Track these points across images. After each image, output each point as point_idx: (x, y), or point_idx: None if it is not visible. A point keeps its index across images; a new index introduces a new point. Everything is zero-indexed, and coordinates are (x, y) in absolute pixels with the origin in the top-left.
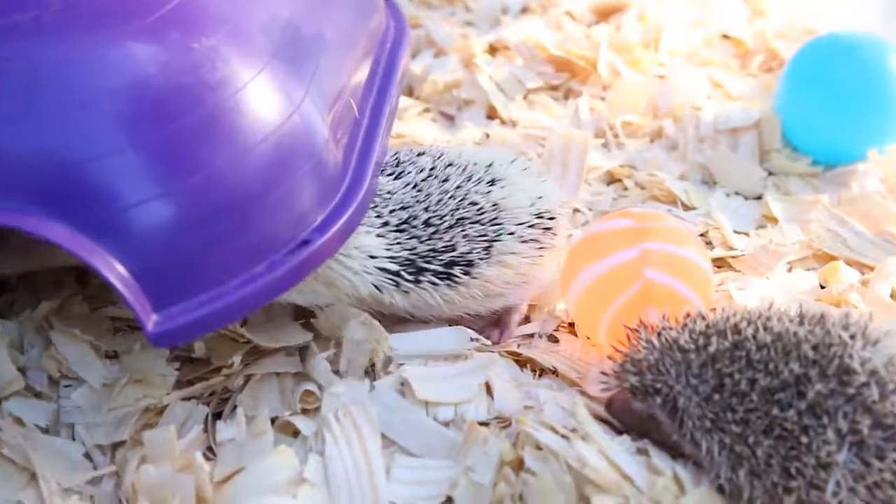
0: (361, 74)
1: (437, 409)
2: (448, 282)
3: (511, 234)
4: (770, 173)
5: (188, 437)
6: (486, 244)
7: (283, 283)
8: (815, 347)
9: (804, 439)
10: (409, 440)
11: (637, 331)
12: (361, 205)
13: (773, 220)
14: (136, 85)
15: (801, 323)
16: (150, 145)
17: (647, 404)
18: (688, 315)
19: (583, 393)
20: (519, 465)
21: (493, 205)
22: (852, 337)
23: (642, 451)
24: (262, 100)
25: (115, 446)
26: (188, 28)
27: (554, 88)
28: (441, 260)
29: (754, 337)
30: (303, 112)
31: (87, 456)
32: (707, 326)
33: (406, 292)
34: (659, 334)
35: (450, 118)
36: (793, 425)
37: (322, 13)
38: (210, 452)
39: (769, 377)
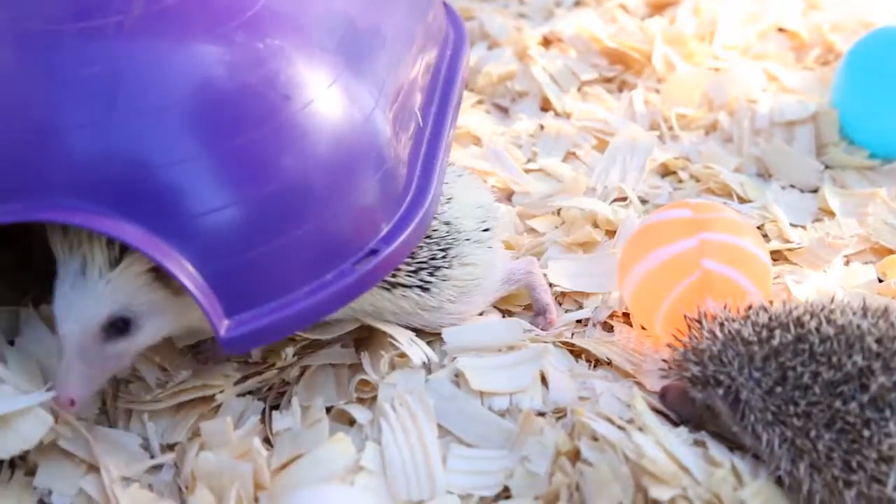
0: (422, 79)
1: (492, 399)
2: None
3: (467, 240)
4: (827, 166)
5: (245, 427)
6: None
7: (352, 291)
8: (878, 340)
9: (866, 433)
10: (465, 430)
11: (698, 321)
12: (427, 214)
13: (830, 214)
14: (213, 92)
15: (864, 316)
16: (224, 153)
17: (706, 395)
18: (749, 307)
19: (638, 384)
20: (575, 456)
21: (446, 222)
22: None
23: (700, 443)
24: (334, 109)
25: (173, 442)
26: (263, 35)
27: (608, 81)
28: (411, 268)
29: (817, 330)
30: (372, 120)
31: (145, 447)
32: (770, 319)
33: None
34: (721, 325)
35: (504, 110)
36: (855, 418)
37: (383, 16)
38: (267, 444)
39: (832, 370)
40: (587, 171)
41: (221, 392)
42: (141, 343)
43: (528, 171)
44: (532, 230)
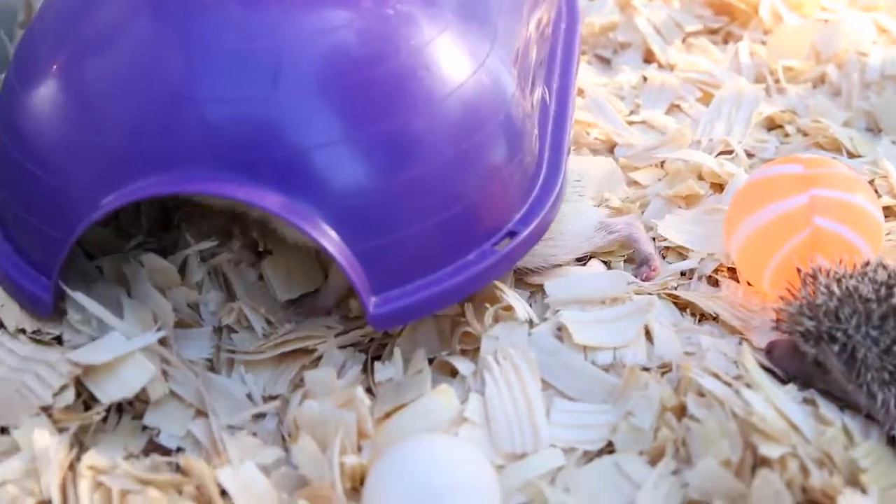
0: (543, 55)
1: (596, 353)
2: None
3: None
4: None
5: (347, 377)
6: None
7: (492, 272)
8: None
9: None
10: (568, 384)
11: (813, 276)
12: (559, 195)
13: None
14: (371, 73)
15: None
16: (377, 134)
17: (819, 350)
18: (867, 263)
19: (746, 340)
20: (681, 412)
21: None
22: None
23: (810, 402)
24: (481, 90)
25: (275, 394)
26: (425, 9)
27: (713, 32)
28: None
29: None
30: (513, 103)
31: (249, 396)
32: (889, 276)
33: None
34: (839, 281)
35: (606, 61)
36: None
37: None
38: (370, 394)
39: None
40: (691, 124)
41: (324, 343)
42: None
43: (630, 123)
44: (635, 182)
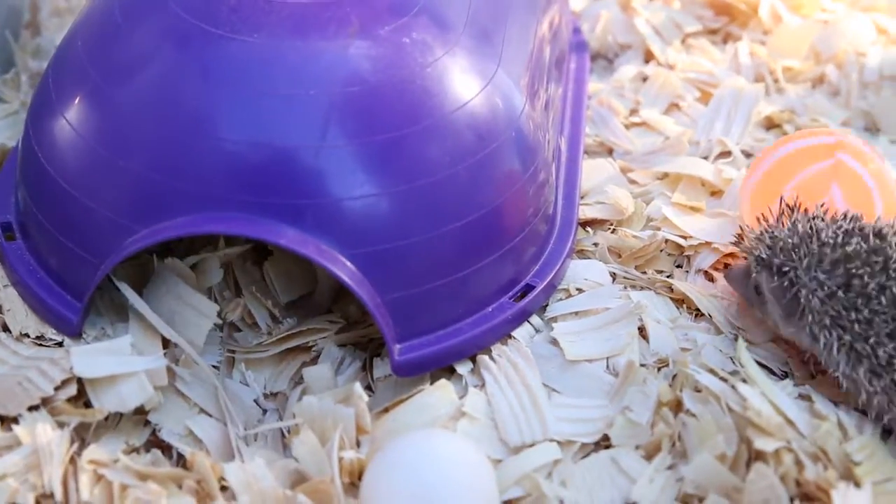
0: (556, 100)
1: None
2: None
3: None
4: None
5: (346, 374)
6: None
7: (509, 326)
8: None
9: None
10: (566, 385)
11: (791, 209)
12: (571, 248)
13: None
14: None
15: None
16: (410, 191)
17: (764, 279)
18: (845, 214)
19: (741, 336)
20: (677, 407)
21: None
22: None
23: (805, 397)
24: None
25: (276, 391)
26: (411, 32)
27: (713, 32)
28: None
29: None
30: (531, 138)
31: (256, 402)
32: (854, 227)
33: None
34: (809, 221)
35: (608, 62)
36: None
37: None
38: (369, 391)
39: None
40: (690, 124)
41: (325, 339)
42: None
43: (631, 124)
44: (634, 182)
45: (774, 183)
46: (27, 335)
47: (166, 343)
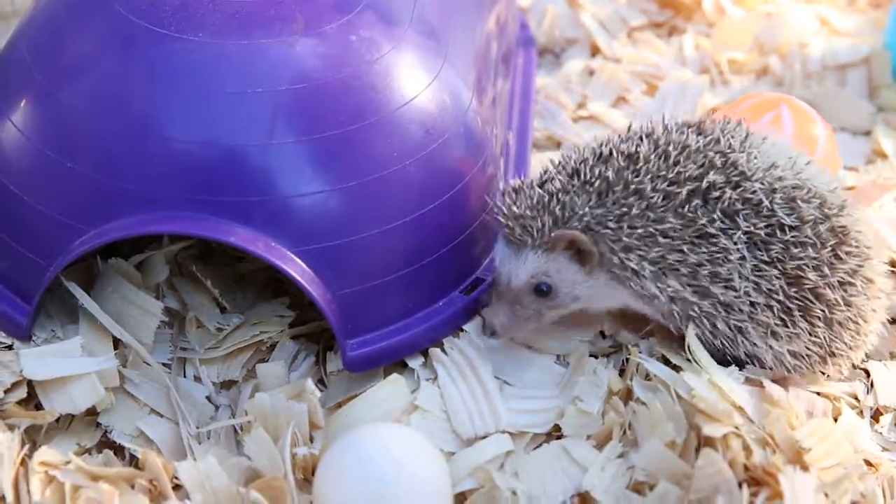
0: (503, 88)
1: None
2: None
3: None
4: (880, 109)
5: (300, 369)
6: None
7: (460, 319)
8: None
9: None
10: (518, 377)
11: (514, 189)
12: None
13: (884, 156)
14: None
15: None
16: (357, 187)
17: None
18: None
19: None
20: (627, 396)
21: None
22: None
23: (755, 382)
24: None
25: (229, 382)
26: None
27: (658, 26)
28: None
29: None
30: (476, 131)
31: (209, 398)
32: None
33: None
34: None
35: (554, 56)
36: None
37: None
38: (321, 385)
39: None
40: (637, 116)
41: (282, 332)
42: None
43: (578, 118)
44: None
45: None
46: None
47: (116, 344)
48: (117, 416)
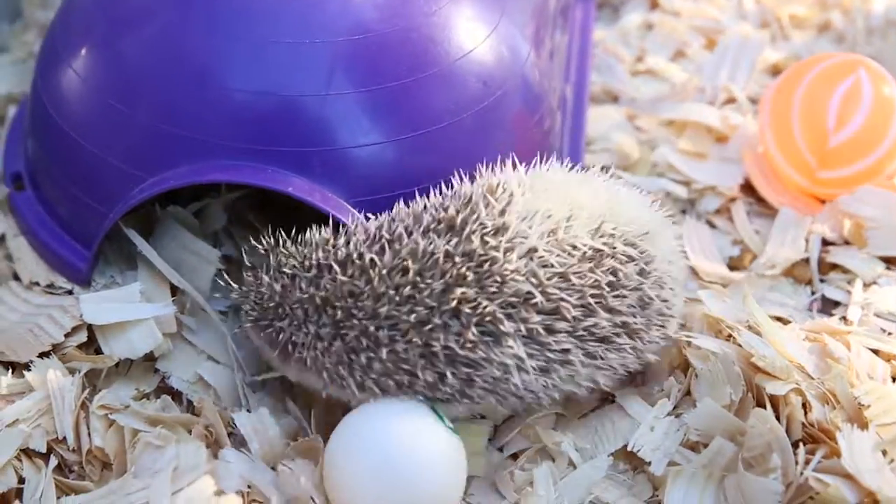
0: (562, 46)
1: None
2: None
3: None
4: None
5: None
6: None
7: None
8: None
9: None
10: None
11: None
12: None
13: None
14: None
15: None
16: (414, 141)
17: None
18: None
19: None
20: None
21: None
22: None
23: (817, 340)
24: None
25: None
26: None
27: None
28: None
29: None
30: (535, 83)
31: None
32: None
33: None
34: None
35: (613, 8)
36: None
37: None
38: None
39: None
40: (696, 71)
41: None
42: None
43: (636, 72)
44: (639, 129)
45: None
46: (37, 283)
47: (174, 291)
48: (175, 363)
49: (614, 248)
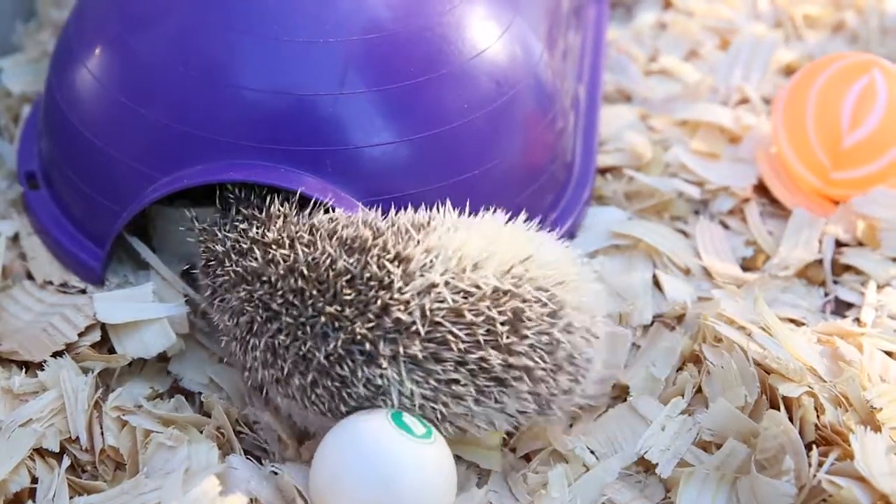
0: (574, 46)
1: None
2: None
3: None
4: None
5: None
6: None
7: None
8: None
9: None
10: None
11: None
12: (589, 195)
13: None
14: None
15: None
16: (427, 140)
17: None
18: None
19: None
20: (698, 360)
21: None
22: None
23: (828, 342)
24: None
25: None
26: None
27: None
28: None
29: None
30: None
31: None
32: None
33: None
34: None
35: (626, 8)
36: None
37: None
38: None
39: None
40: (709, 71)
41: None
42: None
43: (649, 72)
44: (652, 129)
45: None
46: (51, 282)
47: None
48: (187, 365)
49: (521, 289)
